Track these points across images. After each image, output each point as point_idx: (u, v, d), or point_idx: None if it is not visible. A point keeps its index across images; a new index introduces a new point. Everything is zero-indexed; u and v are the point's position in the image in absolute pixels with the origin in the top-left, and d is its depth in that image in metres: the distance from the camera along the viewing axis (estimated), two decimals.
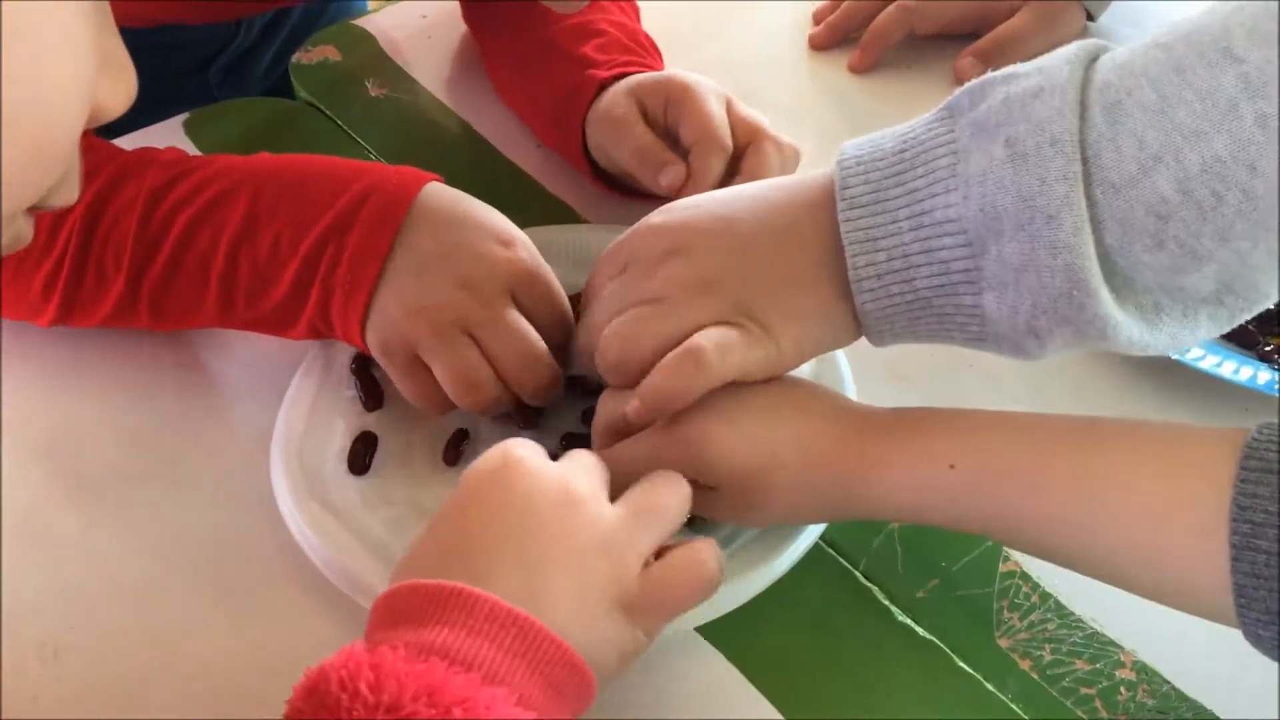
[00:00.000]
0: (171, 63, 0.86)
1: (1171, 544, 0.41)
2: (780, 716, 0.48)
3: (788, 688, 0.49)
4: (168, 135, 0.77)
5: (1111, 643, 0.50)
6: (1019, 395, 0.60)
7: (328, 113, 0.80)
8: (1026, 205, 0.43)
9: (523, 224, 0.58)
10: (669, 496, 0.46)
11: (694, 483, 0.47)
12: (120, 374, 0.62)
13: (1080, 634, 0.50)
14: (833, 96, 0.82)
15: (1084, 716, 0.48)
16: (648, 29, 0.76)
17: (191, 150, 0.75)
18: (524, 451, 0.45)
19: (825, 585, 0.52)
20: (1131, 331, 0.44)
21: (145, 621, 0.52)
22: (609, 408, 0.52)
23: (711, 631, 0.50)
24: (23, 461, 0.58)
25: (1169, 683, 0.49)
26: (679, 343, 0.48)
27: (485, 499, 0.44)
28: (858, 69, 0.82)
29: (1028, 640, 0.50)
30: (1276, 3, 0.40)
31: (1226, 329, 0.46)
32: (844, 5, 0.84)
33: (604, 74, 0.68)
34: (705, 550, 0.44)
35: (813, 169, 0.66)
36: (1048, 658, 0.50)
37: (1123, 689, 0.48)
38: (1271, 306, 0.59)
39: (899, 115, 0.77)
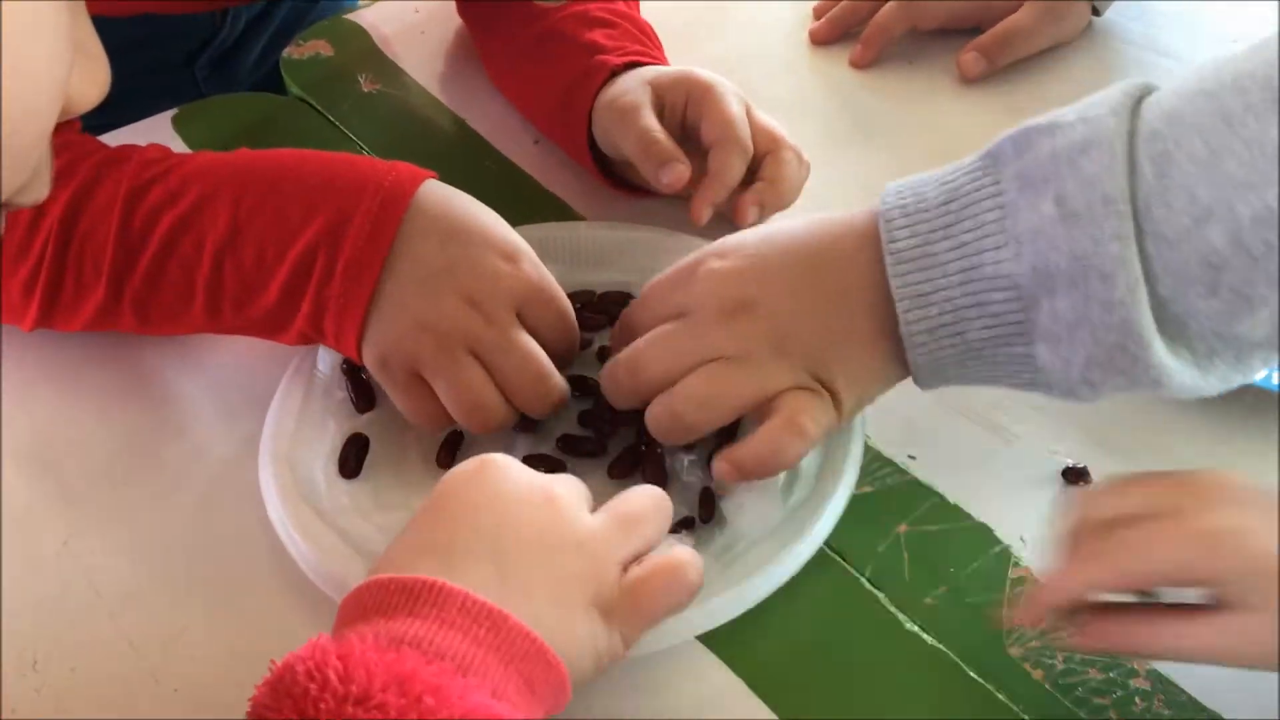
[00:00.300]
0: (156, 57, 0.85)
1: None
2: None
3: (791, 697, 0.48)
4: (156, 131, 0.75)
5: None
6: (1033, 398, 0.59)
7: (319, 108, 0.78)
8: (1080, 264, 0.43)
9: (518, 221, 0.56)
10: (649, 507, 0.45)
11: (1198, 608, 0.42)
12: (103, 375, 0.60)
13: None
14: (834, 92, 0.80)
15: None
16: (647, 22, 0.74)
17: (181, 147, 0.73)
18: (504, 458, 0.45)
19: (830, 592, 0.51)
20: (1184, 378, 0.44)
21: (128, 630, 0.50)
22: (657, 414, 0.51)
23: (713, 640, 0.49)
24: (3, 466, 0.57)
25: (1185, 693, 0.47)
26: (758, 404, 0.49)
27: (463, 497, 0.43)
28: (859, 64, 0.80)
29: (1039, 649, 0.49)
30: None
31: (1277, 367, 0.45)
32: (845, 0, 0.83)
33: (616, 60, 0.67)
34: (685, 557, 0.44)
35: (815, 168, 0.66)
36: (1060, 666, 0.48)
37: (1138, 699, 0.47)
38: None
39: (901, 111, 0.77)
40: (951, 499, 0.54)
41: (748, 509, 0.52)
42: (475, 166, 0.73)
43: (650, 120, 0.63)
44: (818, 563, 0.51)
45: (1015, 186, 0.45)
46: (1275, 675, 0.46)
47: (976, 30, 0.80)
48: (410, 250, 0.53)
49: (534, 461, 0.52)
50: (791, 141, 0.65)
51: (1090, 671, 0.48)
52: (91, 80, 0.37)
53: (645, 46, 0.70)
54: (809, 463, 0.54)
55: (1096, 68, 0.80)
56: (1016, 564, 0.52)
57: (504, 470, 0.44)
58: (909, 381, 0.56)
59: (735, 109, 0.64)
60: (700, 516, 0.52)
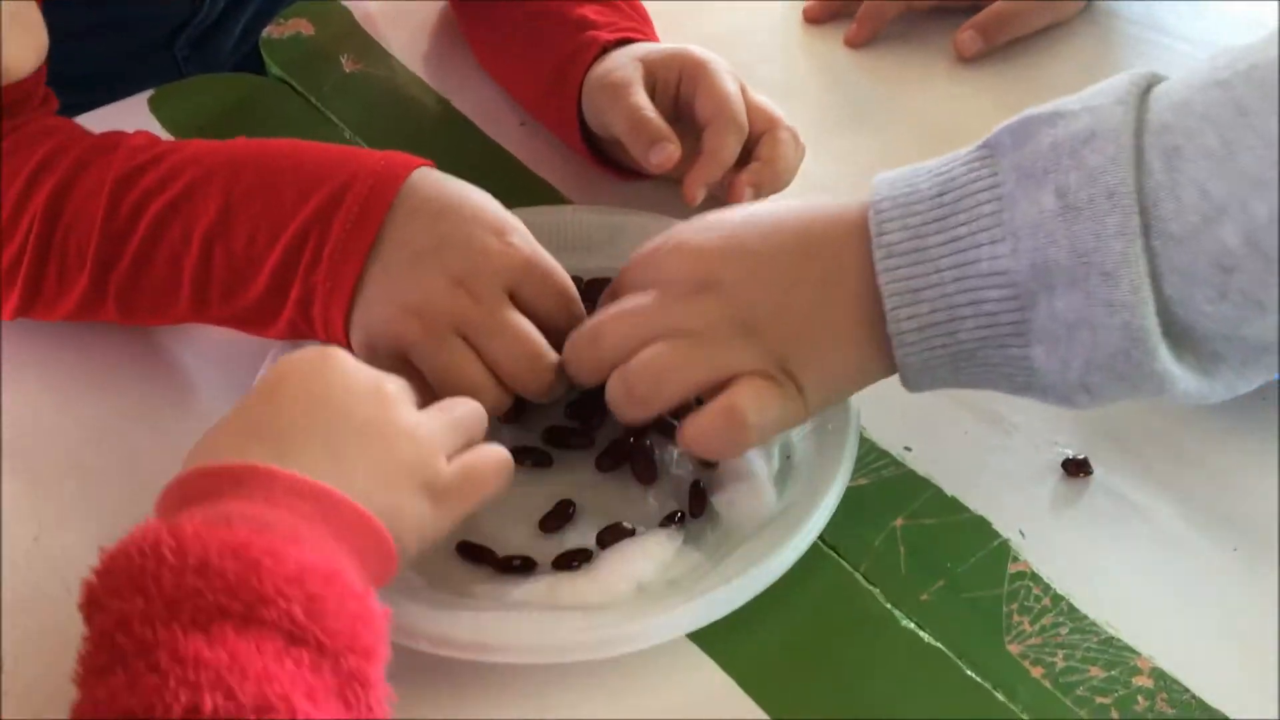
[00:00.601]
0: (134, 37, 0.83)
1: None
2: None
3: (783, 697, 0.46)
4: (132, 113, 0.73)
5: (1128, 648, 0.47)
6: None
7: (300, 90, 0.76)
8: (1081, 261, 0.41)
9: (504, 205, 0.54)
10: (471, 410, 0.48)
11: None
12: (78, 364, 0.59)
13: (1095, 639, 0.47)
14: (828, 72, 0.78)
15: None
16: None
17: (158, 130, 0.71)
18: (343, 352, 0.46)
19: (824, 589, 0.49)
20: (1188, 384, 0.42)
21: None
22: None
23: (704, 638, 0.47)
24: None
25: (1189, 691, 0.46)
26: (712, 385, 0.47)
27: (298, 385, 0.44)
28: (854, 43, 0.79)
29: (1039, 646, 0.47)
30: None
31: None
32: None
33: (607, 36, 0.65)
34: (498, 447, 0.47)
35: (809, 149, 0.64)
36: (1061, 664, 0.47)
37: (1140, 697, 0.46)
38: None
39: (897, 92, 0.76)
40: (949, 491, 0.53)
41: (739, 504, 0.51)
42: (460, 148, 0.72)
43: (641, 98, 0.62)
44: (812, 558, 0.49)
45: (1014, 178, 0.43)
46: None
47: (973, 9, 0.78)
48: (398, 232, 0.51)
49: (520, 454, 0.50)
50: (787, 122, 0.63)
51: (1091, 670, 0.46)
52: (25, 46, 0.36)
53: (636, 23, 0.69)
54: (803, 455, 0.52)
55: (1096, 47, 0.78)
56: (1015, 558, 0.50)
57: (341, 361, 0.45)
58: None
59: (730, 87, 0.62)
60: (690, 511, 0.51)
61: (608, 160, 0.67)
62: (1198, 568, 0.50)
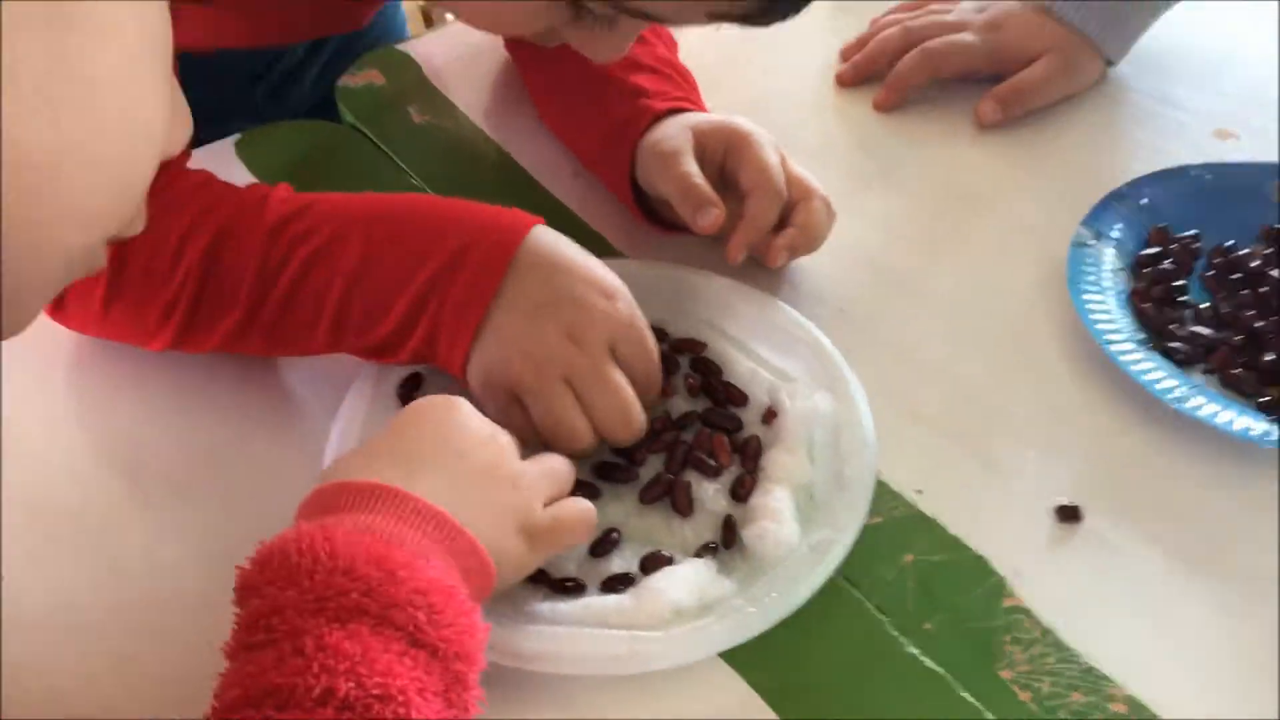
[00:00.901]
0: (223, 82, 0.90)
1: None
2: None
3: (801, 710, 0.53)
4: (220, 155, 0.80)
5: (1105, 678, 0.53)
6: (1033, 440, 0.64)
7: (372, 137, 0.83)
8: None
9: None
10: (564, 466, 0.55)
11: None
12: (182, 392, 0.65)
13: (1077, 668, 0.54)
14: (858, 134, 0.85)
15: None
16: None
17: (243, 171, 0.79)
18: (466, 402, 0.53)
19: (840, 616, 0.56)
20: None
21: (203, 627, 0.56)
22: None
23: (733, 657, 0.54)
24: (95, 475, 0.62)
25: (1158, 717, 0.52)
26: None
27: (426, 423, 0.52)
28: (882, 107, 0.85)
29: (1028, 672, 0.53)
30: None
31: None
32: (870, 44, 0.87)
33: (660, 105, 0.72)
34: (586, 502, 0.54)
35: (838, 207, 0.70)
36: (1046, 690, 0.53)
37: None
38: (1273, 357, 0.63)
39: (922, 154, 0.82)
40: (953, 531, 0.59)
41: (767, 538, 0.57)
42: (518, 199, 0.76)
43: (691, 165, 0.68)
44: (830, 589, 0.56)
45: None
46: (1250, 709, 0.51)
47: (995, 79, 0.84)
48: (519, 285, 0.59)
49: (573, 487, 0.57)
50: (821, 191, 0.70)
51: (1073, 695, 0.53)
52: (180, 130, 0.42)
53: (686, 92, 0.75)
54: (824, 496, 0.58)
55: (1109, 118, 0.84)
56: (1010, 594, 0.56)
57: (465, 411, 0.53)
58: (919, 423, 0.61)
59: (772, 158, 0.68)
60: (723, 542, 0.57)
61: (655, 217, 0.73)
62: (1171, 609, 0.56)
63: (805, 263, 0.72)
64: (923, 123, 0.84)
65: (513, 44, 0.85)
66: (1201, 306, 0.68)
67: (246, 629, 0.44)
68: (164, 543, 0.59)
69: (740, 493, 0.59)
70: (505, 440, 0.53)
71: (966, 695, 0.53)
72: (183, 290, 0.61)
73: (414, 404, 0.54)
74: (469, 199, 0.63)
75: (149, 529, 0.60)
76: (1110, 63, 0.85)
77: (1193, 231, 0.73)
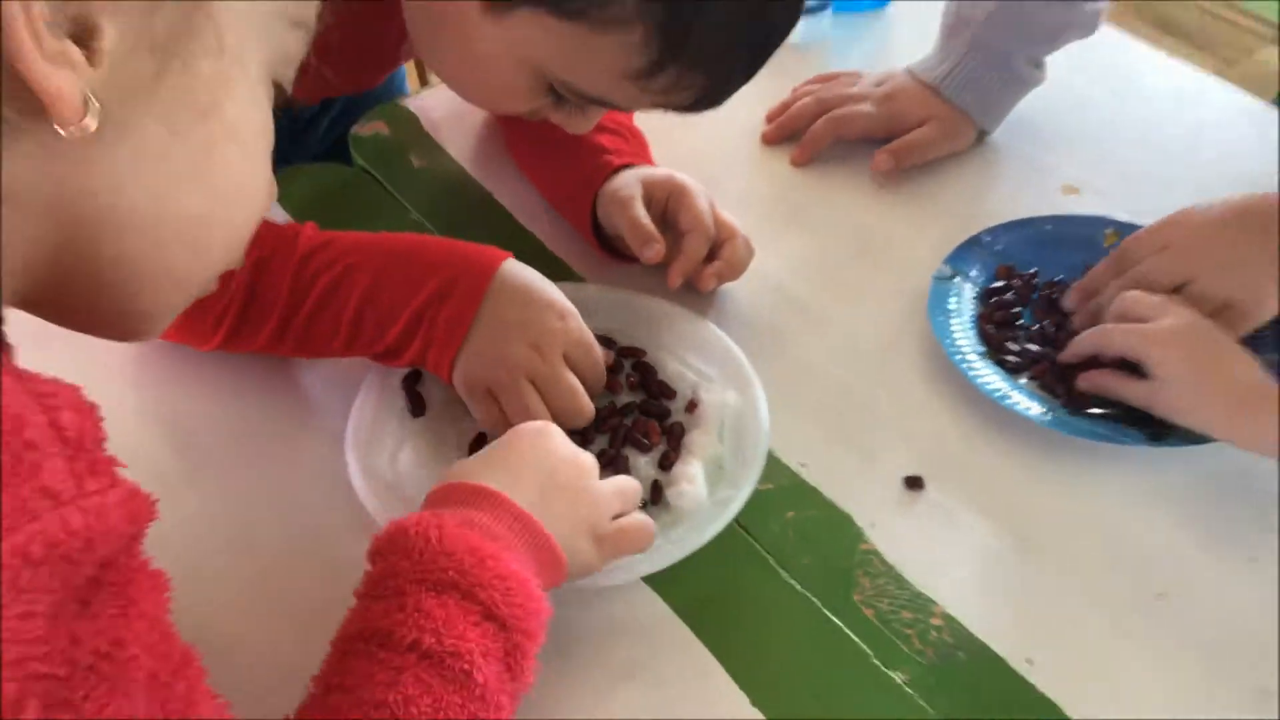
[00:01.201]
0: None
1: None
2: (698, 641, 0.70)
3: (704, 620, 0.71)
4: None
5: (930, 600, 0.72)
6: (891, 427, 0.82)
7: (379, 178, 1.01)
8: None
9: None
10: (634, 488, 0.69)
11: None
12: (226, 383, 0.83)
13: (909, 593, 0.72)
14: (776, 184, 1.03)
15: (905, 648, 0.69)
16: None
17: (275, 205, 0.96)
18: (558, 430, 0.68)
19: (736, 555, 0.74)
20: None
21: (240, 565, 0.73)
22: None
23: (654, 581, 0.72)
24: (150, 450, 0.80)
25: (965, 628, 0.70)
26: None
27: (525, 444, 0.66)
28: (797, 162, 1.04)
29: (873, 596, 0.72)
30: None
31: None
32: (789, 110, 1.06)
33: (617, 161, 0.90)
34: (649, 521, 0.68)
35: (756, 244, 0.89)
36: (885, 608, 0.71)
37: (933, 631, 0.70)
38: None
39: (826, 202, 1.02)
40: (826, 495, 0.77)
41: (685, 496, 0.75)
42: (498, 231, 0.97)
43: (640, 210, 0.87)
44: (730, 534, 0.74)
45: None
46: (1028, 618, 0.69)
47: (890, 139, 1.02)
48: (493, 308, 0.76)
49: None
50: (743, 231, 0.88)
51: (904, 613, 0.71)
52: (270, 195, 0.58)
53: (638, 150, 0.94)
54: (729, 466, 0.77)
55: (979, 175, 1.03)
56: (865, 541, 0.75)
57: (557, 435, 0.67)
58: (805, 413, 0.79)
59: (704, 206, 0.87)
60: (651, 499, 0.75)
61: (611, 249, 0.92)
62: (983, 554, 0.75)
63: (728, 288, 0.91)
64: (828, 176, 1.03)
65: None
66: (1032, 328, 0.88)
67: (370, 583, 0.58)
68: (215, 508, 0.76)
69: (666, 464, 0.77)
70: (586, 461, 0.66)
71: (827, 612, 0.71)
72: (231, 304, 0.78)
73: (520, 426, 0.67)
74: (460, 232, 0.82)
75: (196, 496, 0.77)
76: (985, 131, 1.04)
77: (1033, 269, 0.92)
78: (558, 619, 0.69)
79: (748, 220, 0.90)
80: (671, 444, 0.79)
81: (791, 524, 0.76)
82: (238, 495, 0.77)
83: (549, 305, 0.78)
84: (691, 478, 0.76)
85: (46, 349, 0.51)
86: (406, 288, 0.77)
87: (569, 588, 0.70)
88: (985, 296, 0.90)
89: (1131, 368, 0.79)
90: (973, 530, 0.76)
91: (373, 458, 0.77)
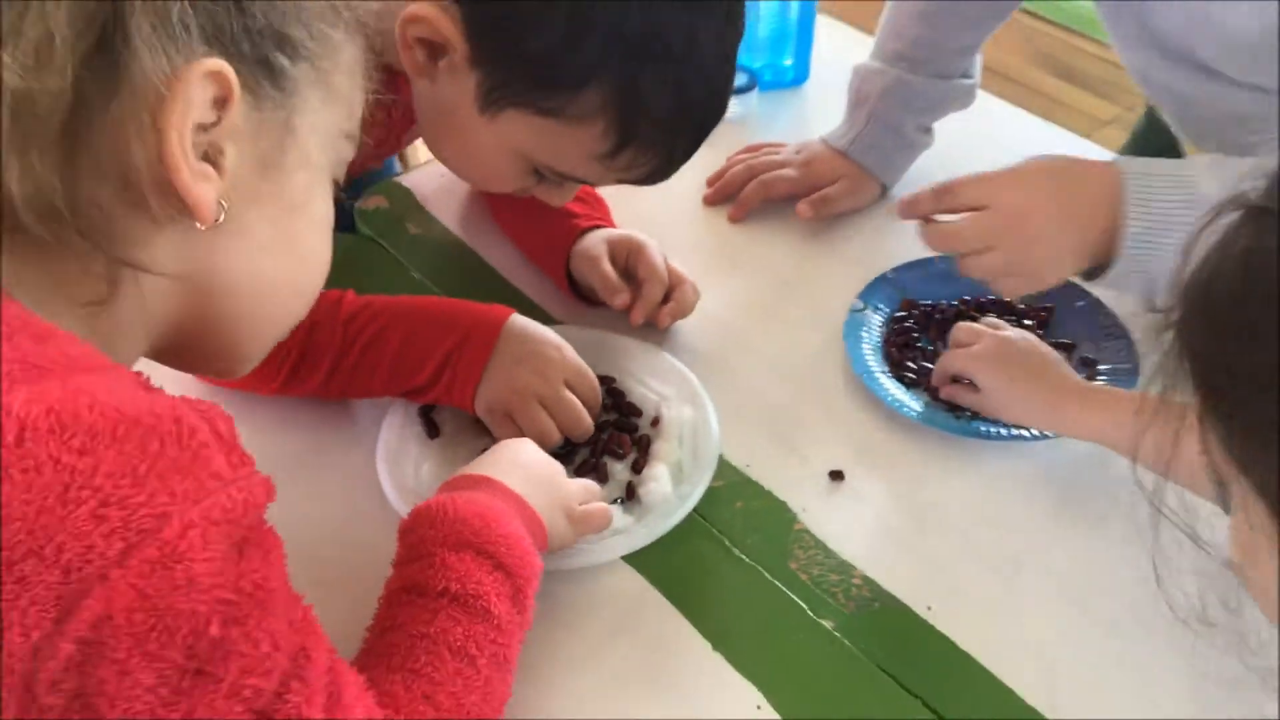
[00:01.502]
0: None
1: None
2: (670, 604, 0.88)
3: (675, 591, 0.88)
4: None
5: (852, 566, 0.90)
6: (818, 433, 1.01)
7: (383, 244, 1.20)
8: None
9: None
10: (595, 486, 0.89)
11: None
12: (280, 418, 1.00)
13: (834, 560, 0.90)
14: (716, 237, 1.22)
15: (832, 602, 0.88)
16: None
17: None
18: (531, 442, 0.87)
19: (697, 536, 0.92)
20: None
21: (295, 553, 0.90)
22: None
23: (632, 559, 0.90)
24: None
25: (879, 584, 0.89)
26: None
27: (512, 451, 0.85)
28: (734, 219, 1.23)
29: (806, 564, 0.90)
30: None
31: None
32: (725, 175, 1.26)
33: (585, 224, 1.10)
34: (607, 507, 0.88)
35: (701, 288, 1.08)
36: (816, 573, 0.90)
37: (854, 588, 0.89)
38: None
39: (758, 252, 1.21)
40: (766, 487, 0.96)
41: (653, 493, 0.93)
42: (488, 286, 1.14)
43: (607, 266, 1.06)
44: (691, 521, 0.92)
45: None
46: (929, 575, 0.88)
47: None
48: (504, 349, 0.95)
49: None
50: (690, 278, 1.08)
51: (831, 575, 0.90)
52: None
53: (602, 214, 1.13)
54: (688, 468, 0.95)
55: (885, 224, 1.22)
56: (799, 523, 0.93)
57: (531, 446, 0.87)
58: (748, 424, 0.98)
59: (658, 259, 1.06)
60: (626, 496, 0.94)
61: (582, 295, 1.11)
62: (892, 528, 0.94)
63: (680, 324, 1.09)
64: (760, 230, 1.22)
65: None
66: (928, 350, 1.07)
67: (404, 550, 0.75)
68: (273, 511, 0.93)
69: (637, 468, 0.96)
70: (555, 463, 0.86)
71: (770, 577, 0.90)
72: (287, 357, 0.96)
73: (503, 442, 0.87)
74: (454, 286, 1.01)
75: None
76: (885, 189, 1.24)
77: (930, 301, 1.12)
78: (558, 591, 0.87)
79: (694, 268, 1.09)
80: (641, 452, 0.97)
81: (740, 512, 0.95)
82: (290, 503, 0.93)
83: (548, 343, 0.96)
84: (658, 478, 0.94)
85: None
86: (432, 340, 0.95)
87: (565, 566, 0.88)
88: (890, 324, 1.10)
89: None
90: (882, 510, 0.95)
91: (399, 471, 0.94)
